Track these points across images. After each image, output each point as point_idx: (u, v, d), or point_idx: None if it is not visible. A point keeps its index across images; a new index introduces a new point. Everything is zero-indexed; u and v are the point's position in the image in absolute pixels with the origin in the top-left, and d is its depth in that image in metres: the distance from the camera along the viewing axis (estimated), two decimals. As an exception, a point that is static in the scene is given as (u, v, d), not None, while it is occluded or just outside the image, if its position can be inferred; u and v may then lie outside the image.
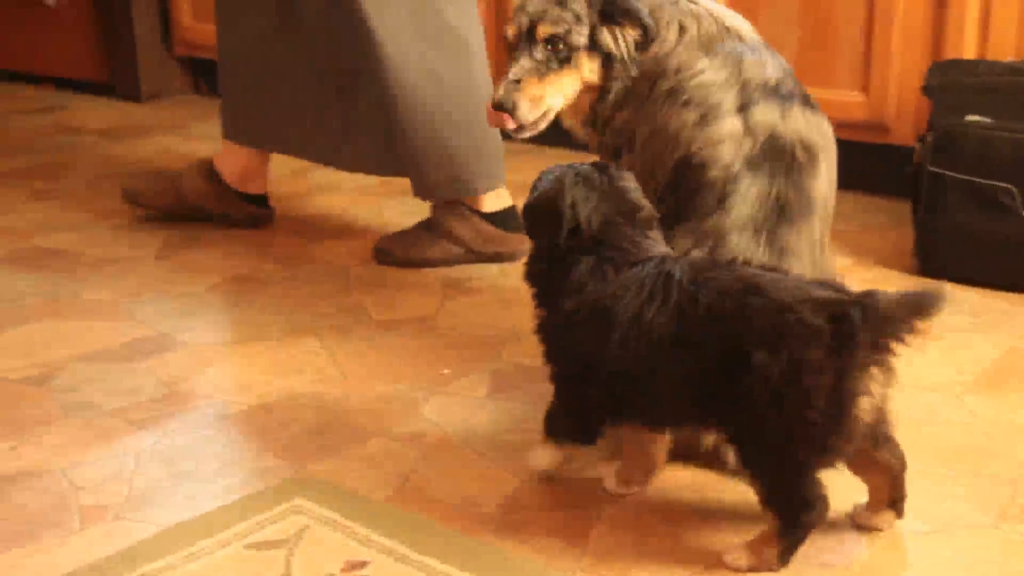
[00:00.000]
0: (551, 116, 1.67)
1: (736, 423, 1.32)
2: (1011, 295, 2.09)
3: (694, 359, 1.31)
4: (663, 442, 1.48)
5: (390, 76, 2.23)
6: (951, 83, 2.31)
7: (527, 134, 1.67)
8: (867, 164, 2.53)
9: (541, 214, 1.42)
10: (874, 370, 1.28)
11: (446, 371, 1.82)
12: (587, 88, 1.64)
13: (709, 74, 1.57)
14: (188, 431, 1.63)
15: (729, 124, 1.54)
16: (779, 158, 1.52)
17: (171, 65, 3.73)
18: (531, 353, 1.86)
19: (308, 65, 2.38)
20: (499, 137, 2.27)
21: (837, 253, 2.29)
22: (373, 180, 2.91)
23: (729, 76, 1.56)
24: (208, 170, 2.49)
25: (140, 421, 1.66)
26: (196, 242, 2.44)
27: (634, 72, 1.62)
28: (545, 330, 1.44)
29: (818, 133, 1.56)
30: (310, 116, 2.42)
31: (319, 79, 2.37)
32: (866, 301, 1.26)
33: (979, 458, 1.56)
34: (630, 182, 1.44)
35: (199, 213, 2.51)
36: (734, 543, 1.34)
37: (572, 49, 1.62)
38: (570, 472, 1.50)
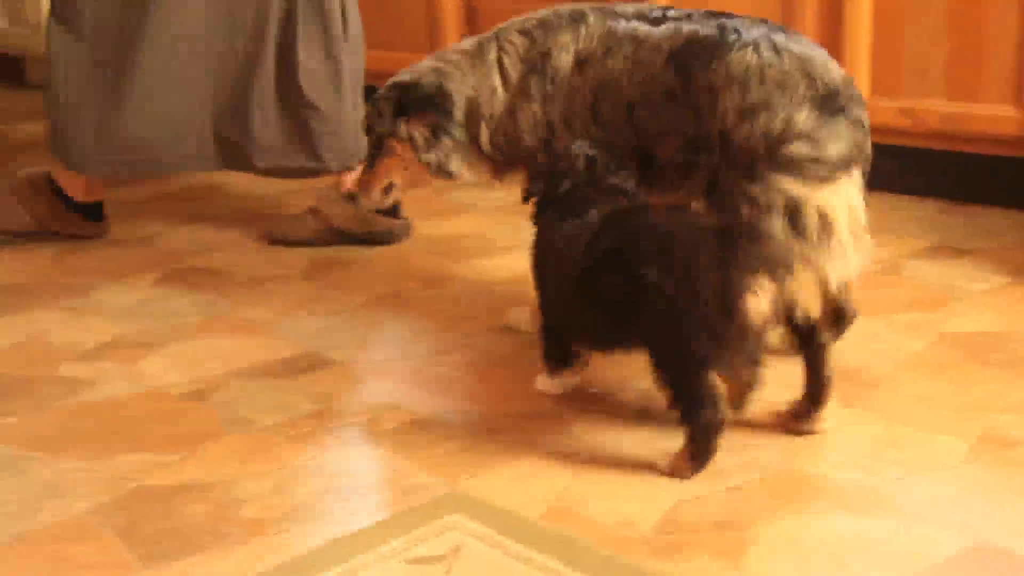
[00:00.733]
0: (394, 191, 2.10)
1: (642, 335, 1.54)
2: None
3: (604, 289, 1.57)
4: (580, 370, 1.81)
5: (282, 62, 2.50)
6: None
7: (383, 206, 2.15)
8: (1021, 180, 2.45)
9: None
10: (761, 277, 1.47)
11: (594, 389, 1.82)
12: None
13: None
14: (342, 447, 1.67)
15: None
16: None
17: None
18: (680, 372, 1.86)
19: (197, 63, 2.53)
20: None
21: (993, 272, 2.23)
22: (511, 200, 2.94)
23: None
24: (346, 194, 2.54)
25: (296, 437, 1.70)
26: (340, 262, 2.50)
27: (461, 137, 2.00)
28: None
29: None
30: (207, 122, 2.57)
31: (214, 79, 2.54)
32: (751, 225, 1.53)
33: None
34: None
35: (347, 238, 2.58)
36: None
37: (381, 141, 2.03)
38: (722, 490, 1.49)
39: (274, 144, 2.55)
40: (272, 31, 2.52)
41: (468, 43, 2.03)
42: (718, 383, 1.53)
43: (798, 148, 1.64)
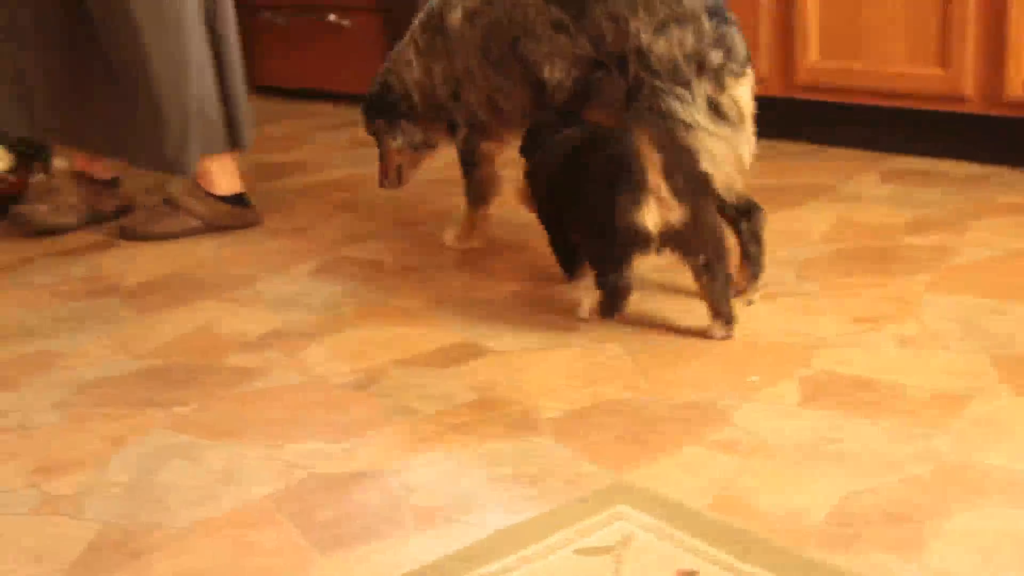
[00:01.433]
0: (407, 173, 2.58)
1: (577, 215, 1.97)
2: None
3: (565, 188, 2.01)
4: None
5: (150, 65, 2.59)
6: None
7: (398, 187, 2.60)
8: None
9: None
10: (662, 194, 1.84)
11: (754, 378, 1.80)
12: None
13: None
14: (504, 436, 1.68)
15: None
16: None
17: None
18: (843, 361, 1.83)
19: (76, 49, 2.66)
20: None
21: None
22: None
23: None
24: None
25: (458, 426, 1.72)
26: (492, 250, 2.52)
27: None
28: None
29: None
30: (80, 104, 2.69)
31: (89, 65, 2.65)
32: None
33: None
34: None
35: (212, 229, 2.82)
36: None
37: (377, 138, 2.56)
38: (894, 481, 1.46)
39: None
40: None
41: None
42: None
43: (715, 55, 2.02)
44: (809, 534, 1.37)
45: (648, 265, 2.06)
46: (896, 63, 3.00)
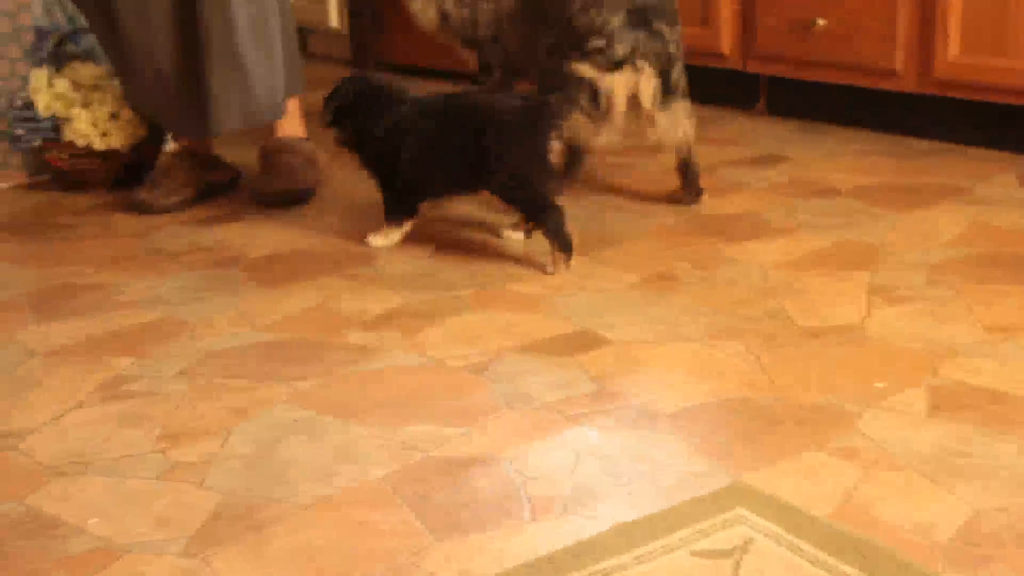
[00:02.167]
0: None
1: (492, 179, 2.31)
2: None
3: (458, 147, 2.32)
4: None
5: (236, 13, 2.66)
6: None
7: None
8: None
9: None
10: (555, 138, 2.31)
11: (880, 384, 1.76)
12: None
13: None
14: (621, 429, 1.67)
15: None
16: None
17: (579, 62, 3.84)
18: (974, 371, 1.77)
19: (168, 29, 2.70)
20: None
21: None
22: (784, 179, 2.87)
23: None
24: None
25: (575, 416, 1.71)
26: (611, 239, 2.50)
27: None
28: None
29: None
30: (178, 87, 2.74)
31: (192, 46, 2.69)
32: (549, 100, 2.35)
33: None
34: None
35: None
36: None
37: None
38: (1029, 505, 1.41)
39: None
40: None
41: None
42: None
43: (595, 42, 2.42)
44: (937, 551, 1.33)
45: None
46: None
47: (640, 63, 2.43)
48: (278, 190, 2.81)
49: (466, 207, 2.76)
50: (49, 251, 2.54)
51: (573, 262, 2.33)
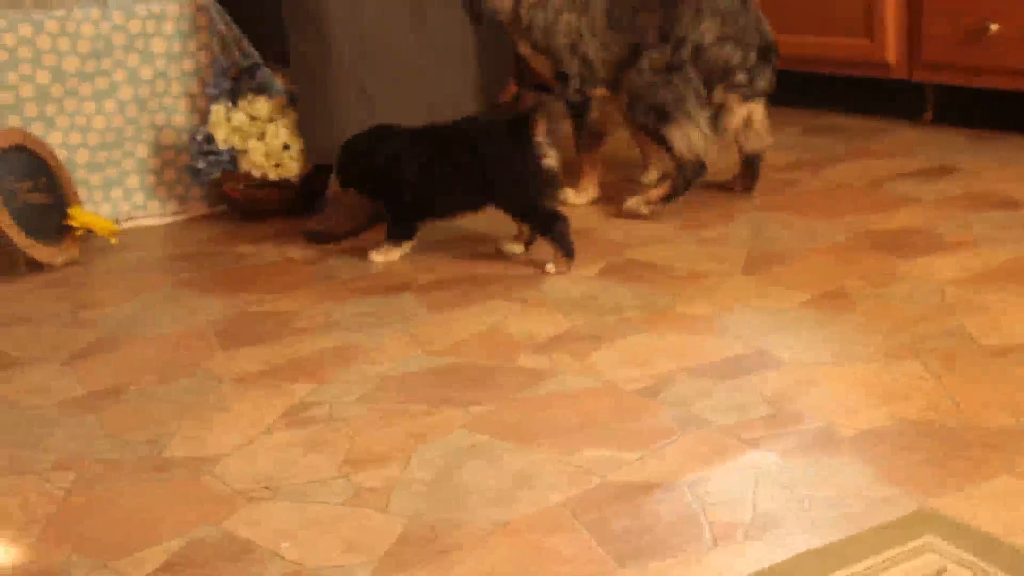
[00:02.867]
0: None
1: (496, 194, 2.51)
2: None
3: (461, 168, 2.52)
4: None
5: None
6: None
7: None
8: None
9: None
10: (546, 146, 2.47)
11: (1073, 406, 1.69)
12: None
13: None
14: (801, 453, 1.64)
15: None
16: None
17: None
18: None
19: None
20: None
21: None
22: (956, 191, 2.79)
23: None
24: None
25: (753, 440, 1.69)
26: (779, 256, 2.47)
27: None
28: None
29: None
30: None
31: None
32: (531, 111, 2.46)
33: None
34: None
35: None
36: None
37: None
38: None
39: None
40: None
41: None
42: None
43: (740, 77, 2.76)
44: None
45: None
46: None
47: (764, 95, 2.84)
48: None
49: (636, 229, 2.77)
50: (229, 279, 2.65)
51: (600, 266, 2.50)
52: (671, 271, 2.46)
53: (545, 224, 2.48)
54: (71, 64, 2.99)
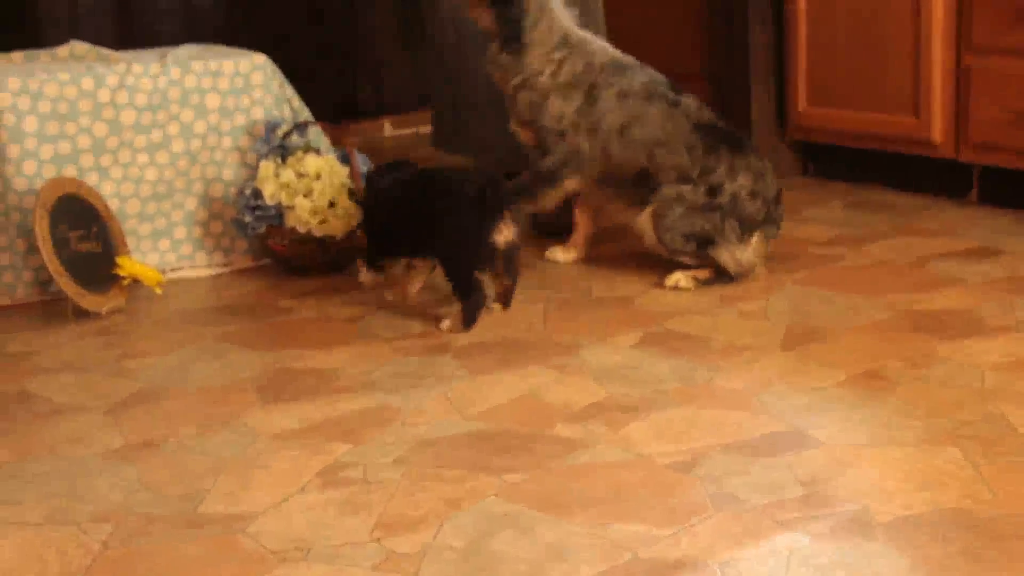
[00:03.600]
0: None
1: (435, 250, 2.62)
2: None
3: (413, 216, 2.64)
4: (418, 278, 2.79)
5: None
6: None
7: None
8: None
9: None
10: (502, 221, 2.56)
11: (1113, 501, 1.67)
12: None
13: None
14: (835, 537, 1.64)
15: None
16: None
17: (782, 149, 3.82)
18: None
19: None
20: None
21: None
22: (1000, 273, 2.78)
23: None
24: None
25: (786, 521, 1.69)
26: (818, 333, 2.47)
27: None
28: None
29: None
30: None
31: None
32: (494, 181, 2.56)
33: None
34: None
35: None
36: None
37: None
38: None
39: None
40: None
41: (570, 29, 2.96)
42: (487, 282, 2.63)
43: (770, 231, 2.91)
44: None
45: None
46: None
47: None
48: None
49: (676, 299, 2.77)
50: (270, 334, 2.68)
51: (639, 335, 2.52)
52: (709, 343, 2.46)
53: (464, 291, 2.57)
54: (128, 117, 3.06)
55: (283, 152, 3.07)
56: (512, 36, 2.89)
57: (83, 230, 2.88)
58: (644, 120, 2.88)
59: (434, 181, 2.65)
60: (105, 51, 3.25)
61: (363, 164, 3.07)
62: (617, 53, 2.99)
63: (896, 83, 3.40)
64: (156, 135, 3.10)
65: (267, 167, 3.00)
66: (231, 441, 2.07)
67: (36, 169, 2.96)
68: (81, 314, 2.81)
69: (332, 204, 3.00)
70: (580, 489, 1.83)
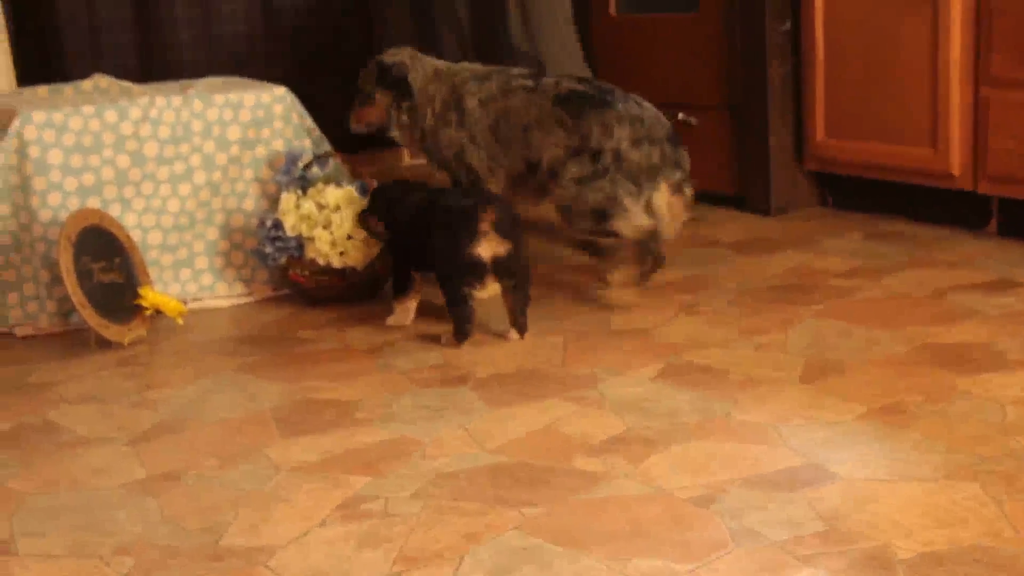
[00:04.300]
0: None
1: (432, 265, 2.74)
2: None
3: (416, 235, 2.78)
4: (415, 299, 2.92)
5: None
6: None
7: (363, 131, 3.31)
8: None
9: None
10: (491, 235, 2.63)
11: None
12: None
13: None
14: (856, 574, 1.63)
15: None
16: None
17: (800, 180, 3.83)
18: None
19: None
20: None
21: None
22: (1021, 307, 2.78)
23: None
24: None
25: (805, 557, 1.69)
26: (837, 366, 2.47)
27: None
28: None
29: None
30: None
31: None
32: (485, 202, 2.69)
33: None
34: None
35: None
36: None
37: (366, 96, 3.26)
38: None
39: None
40: None
41: (439, 64, 3.19)
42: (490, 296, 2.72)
43: (671, 174, 2.90)
44: None
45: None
46: None
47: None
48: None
49: (696, 331, 2.78)
50: (291, 365, 2.69)
51: (658, 368, 2.52)
52: (728, 376, 2.46)
53: (448, 303, 2.72)
54: (151, 149, 3.09)
55: (304, 183, 3.10)
56: (407, 93, 3.13)
57: (106, 261, 2.91)
58: (509, 113, 3.00)
59: (433, 202, 2.78)
60: (127, 84, 3.30)
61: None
62: (481, 67, 3.16)
63: (914, 115, 3.41)
64: (178, 167, 3.13)
65: (288, 199, 3.03)
66: (252, 473, 2.09)
67: (61, 201, 2.99)
68: (104, 344, 2.83)
69: (351, 236, 3.03)
70: (599, 523, 1.83)
